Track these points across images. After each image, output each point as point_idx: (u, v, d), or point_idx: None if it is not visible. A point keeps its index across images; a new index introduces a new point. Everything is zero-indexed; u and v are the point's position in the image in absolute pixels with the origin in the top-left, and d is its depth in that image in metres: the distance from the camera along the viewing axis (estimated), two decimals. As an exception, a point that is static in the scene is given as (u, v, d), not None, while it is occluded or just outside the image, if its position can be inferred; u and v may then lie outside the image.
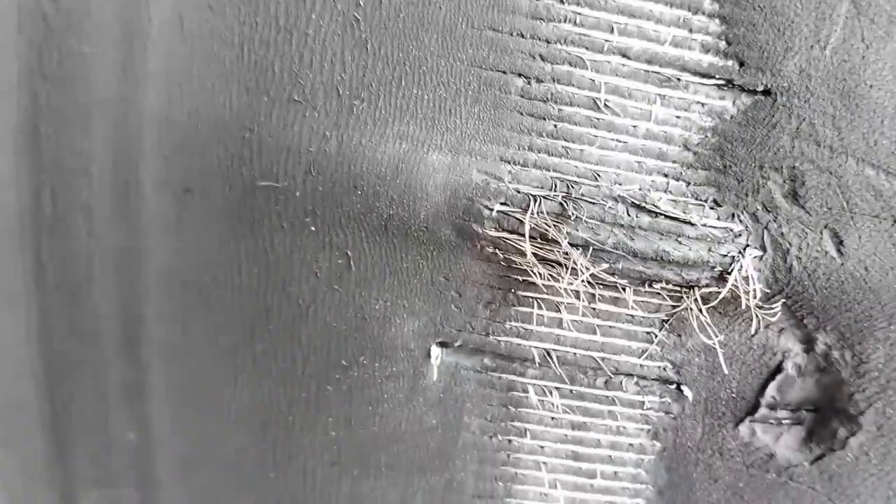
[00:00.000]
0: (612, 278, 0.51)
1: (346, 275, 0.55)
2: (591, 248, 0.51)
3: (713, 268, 0.51)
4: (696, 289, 0.52)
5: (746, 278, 0.51)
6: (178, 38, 0.53)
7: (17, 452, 0.60)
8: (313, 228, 0.54)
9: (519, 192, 0.52)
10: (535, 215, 0.51)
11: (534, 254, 0.51)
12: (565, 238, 0.50)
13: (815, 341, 0.54)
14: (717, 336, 0.52)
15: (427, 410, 0.56)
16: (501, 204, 0.52)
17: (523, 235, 0.51)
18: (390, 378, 0.56)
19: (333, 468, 0.59)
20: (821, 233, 0.52)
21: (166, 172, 0.55)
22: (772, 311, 0.52)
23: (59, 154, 0.55)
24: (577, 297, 0.53)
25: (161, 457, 0.61)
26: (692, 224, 0.51)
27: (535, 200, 0.51)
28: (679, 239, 0.51)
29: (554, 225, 0.51)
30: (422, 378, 0.55)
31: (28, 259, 0.58)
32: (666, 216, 0.51)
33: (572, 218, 0.50)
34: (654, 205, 0.51)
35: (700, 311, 0.52)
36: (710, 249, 0.51)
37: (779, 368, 0.54)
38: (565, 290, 0.53)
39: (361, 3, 0.51)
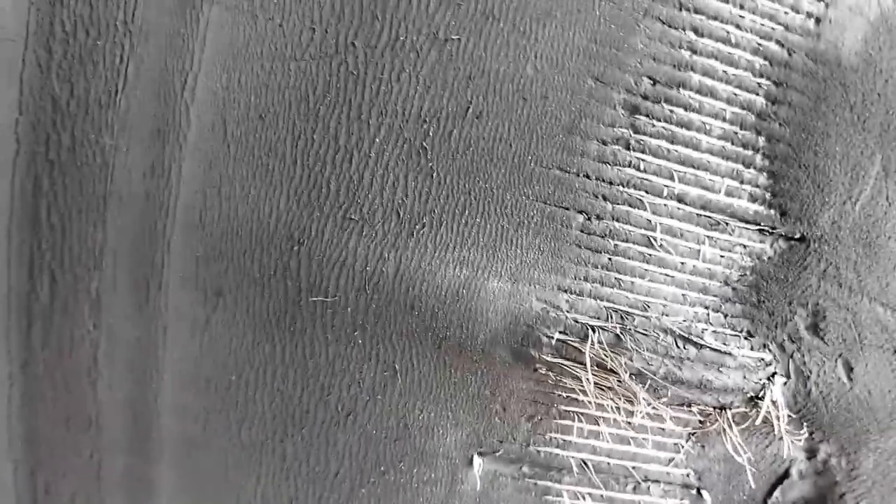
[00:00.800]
0: (659, 404, 0.56)
1: (391, 386, 0.57)
2: (647, 378, 0.55)
3: (745, 392, 0.57)
4: (727, 410, 0.57)
5: (775, 402, 0.57)
6: (219, 143, 0.53)
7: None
8: (361, 342, 0.56)
9: (577, 321, 0.56)
10: (595, 345, 0.55)
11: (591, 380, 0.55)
12: (623, 368, 0.55)
13: (818, 451, 0.61)
14: (745, 453, 0.58)
15: None
16: (560, 332, 0.55)
17: (581, 363, 0.55)
18: (428, 483, 0.59)
19: None
20: (836, 361, 0.58)
21: (196, 273, 0.55)
22: (799, 435, 0.59)
23: (62, 241, 0.54)
24: (618, 412, 0.58)
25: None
26: (732, 355, 0.56)
27: (594, 331, 0.55)
28: (720, 369, 0.56)
29: (612, 355, 0.55)
30: (460, 484, 0.59)
31: (13, 343, 0.56)
32: (710, 348, 0.56)
33: (630, 349, 0.55)
34: (699, 337, 0.56)
35: (731, 429, 0.57)
36: (744, 377, 0.57)
37: (786, 474, 0.61)
38: (611, 407, 0.57)
39: (430, 133, 0.52)
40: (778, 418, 0.58)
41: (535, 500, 0.60)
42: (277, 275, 0.53)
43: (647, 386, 0.56)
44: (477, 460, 0.58)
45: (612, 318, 0.55)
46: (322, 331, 0.55)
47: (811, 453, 0.61)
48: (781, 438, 0.60)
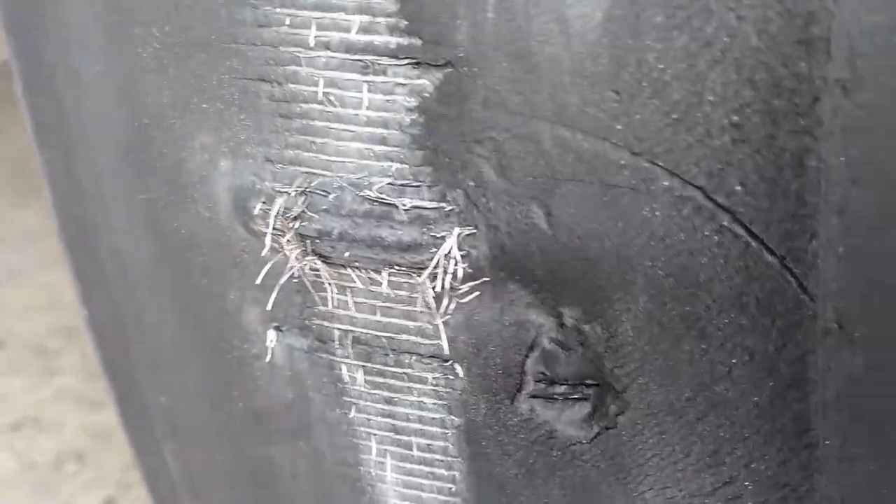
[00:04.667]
0: (346, 264, 0.55)
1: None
2: (322, 238, 0.55)
3: (432, 248, 0.52)
4: (423, 271, 0.53)
5: (449, 255, 0.51)
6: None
7: None
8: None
9: (275, 189, 0.57)
10: (279, 212, 0.56)
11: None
12: (293, 232, 0.55)
13: (563, 315, 0.51)
14: (441, 317, 0.53)
15: (284, 386, 0.64)
16: (262, 203, 0.57)
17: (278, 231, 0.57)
18: (255, 357, 0.65)
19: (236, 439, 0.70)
20: (528, 205, 0.49)
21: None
22: (464, 292, 0.51)
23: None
24: (352, 282, 0.57)
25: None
26: (398, 207, 0.52)
27: (267, 196, 0.56)
28: (391, 224, 0.52)
29: (285, 219, 0.55)
30: (271, 358, 0.64)
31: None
32: (379, 202, 0.53)
33: (298, 211, 0.55)
34: (369, 190, 0.53)
35: (425, 292, 0.53)
36: (423, 231, 0.52)
37: (535, 343, 0.53)
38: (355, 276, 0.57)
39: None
40: (453, 274, 0.52)
41: (326, 372, 0.63)
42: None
43: (331, 248, 0.55)
44: (271, 334, 0.63)
45: (297, 182, 0.56)
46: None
47: (558, 319, 0.52)
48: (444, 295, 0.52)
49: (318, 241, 0.54)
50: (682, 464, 0.51)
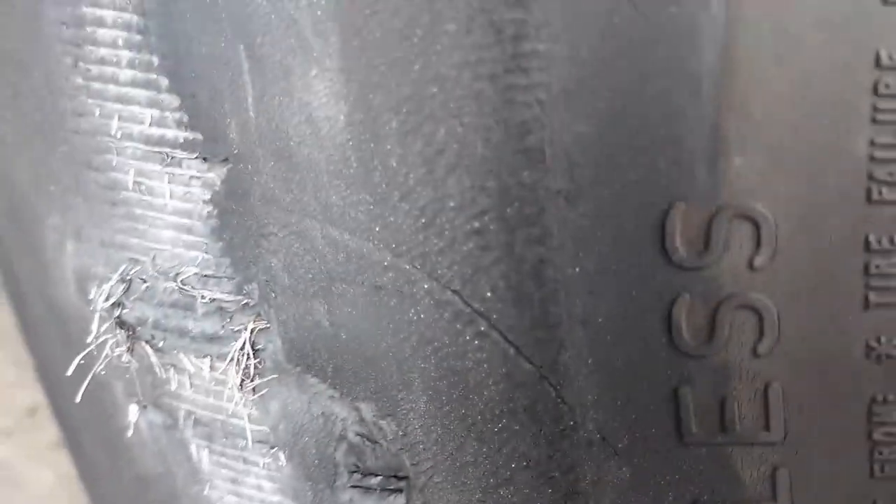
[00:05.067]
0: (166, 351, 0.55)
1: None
2: (141, 326, 0.55)
3: (232, 341, 0.52)
4: (231, 362, 0.52)
5: (243, 349, 0.50)
6: None
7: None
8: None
9: (106, 275, 0.58)
10: (101, 300, 0.56)
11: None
12: (114, 318, 0.55)
13: (361, 410, 0.50)
14: (246, 406, 0.52)
15: (153, 459, 0.65)
16: (96, 287, 0.58)
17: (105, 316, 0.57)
18: (126, 430, 0.65)
19: None
20: (311, 302, 0.48)
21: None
22: (251, 388, 0.50)
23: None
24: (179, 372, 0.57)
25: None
26: (198, 299, 0.52)
27: (103, 283, 0.57)
28: (194, 315, 0.52)
29: (110, 305, 0.56)
30: (133, 431, 0.64)
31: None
32: (182, 292, 0.53)
33: (117, 298, 0.55)
34: (178, 281, 0.53)
35: (236, 384, 0.52)
36: (223, 325, 0.52)
37: (342, 436, 0.52)
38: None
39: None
40: (246, 368, 0.51)
41: (180, 449, 0.63)
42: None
43: (151, 336, 0.56)
44: (133, 408, 0.64)
45: (124, 270, 0.57)
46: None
47: (358, 413, 0.51)
48: (240, 389, 0.51)
49: (138, 328, 0.54)
50: (483, 563, 0.49)
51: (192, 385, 0.58)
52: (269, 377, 0.51)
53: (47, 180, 0.59)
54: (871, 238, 0.37)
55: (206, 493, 0.61)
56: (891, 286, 0.39)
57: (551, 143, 0.37)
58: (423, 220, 0.42)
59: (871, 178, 0.37)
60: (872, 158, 0.36)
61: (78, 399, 0.57)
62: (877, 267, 0.38)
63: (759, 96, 0.35)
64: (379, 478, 0.52)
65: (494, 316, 0.42)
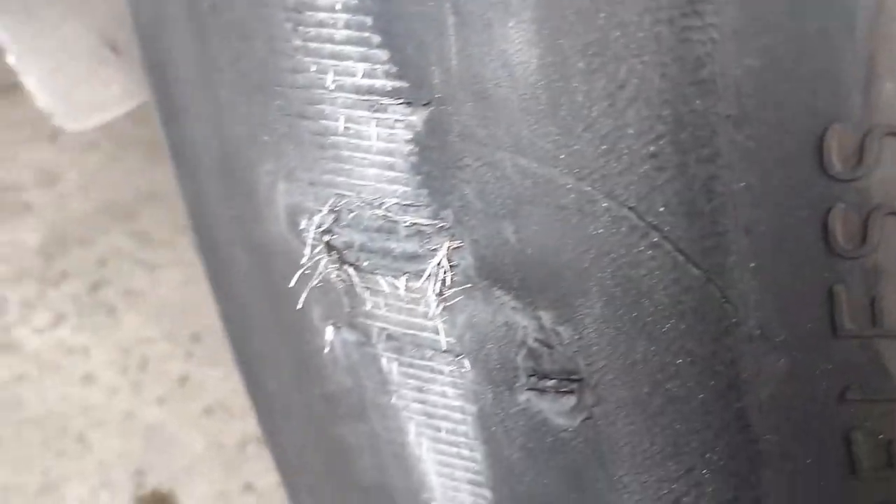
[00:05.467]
0: (370, 271, 0.65)
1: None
2: (347, 249, 0.65)
3: (428, 259, 0.61)
4: (429, 278, 0.62)
5: (440, 265, 0.60)
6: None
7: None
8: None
9: (315, 208, 0.68)
10: (313, 227, 0.67)
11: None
12: (322, 244, 0.65)
13: (541, 318, 0.59)
14: (440, 318, 0.61)
15: (344, 375, 0.75)
16: (307, 220, 0.69)
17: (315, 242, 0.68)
18: (321, 349, 0.76)
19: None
20: (500, 222, 0.57)
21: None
22: (444, 300, 0.59)
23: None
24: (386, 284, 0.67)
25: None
26: (400, 223, 0.61)
27: (313, 214, 0.67)
28: (397, 238, 0.62)
29: (320, 232, 0.66)
30: (329, 350, 0.75)
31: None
32: (387, 218, 0.62)
33: (328, 226, 0.65)
34: (382, 209, 0.63)
35: (427, 298, 0.62)
36: (421, 245, 0.61)
37: (523, 342, 0.60)
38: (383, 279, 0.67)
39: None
40: (444, 281, 0.60)
41: (372, 363, 0.73)
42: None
43: (356, 258, 0.66)
44: (329, 330, 0.75)
45: (330, 202, 0.67)
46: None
47: (538, 321, 0.60)
48: (438, 301, 0.60)
49: (345, 251, 0.64)
50: (649, 452, 0.56)
51: (386, 304, 0.67)
52: (461, 288, 0.59)
53: (262, 131, 0.70)
54: None
55: (392, 401, 0.71)
56: None
57: (722, 74, 0.44)
58: (604, 147, 0.49)
59: None
60: None
61: (299, 306, 0.67)
62: None
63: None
64: (554, 380, 0.60)
65: (666, 228, 0.49)
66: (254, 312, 0.87)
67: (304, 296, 0.70)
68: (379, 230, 0.62)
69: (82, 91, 1.24)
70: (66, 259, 2.39)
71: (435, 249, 0.59)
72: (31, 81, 1.20)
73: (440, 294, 0.60)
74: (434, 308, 0.61)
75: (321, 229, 0.66)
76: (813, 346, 0.49)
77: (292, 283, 0.69)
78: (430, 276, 0.59)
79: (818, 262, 0.47)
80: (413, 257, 0.61)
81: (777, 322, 0.48)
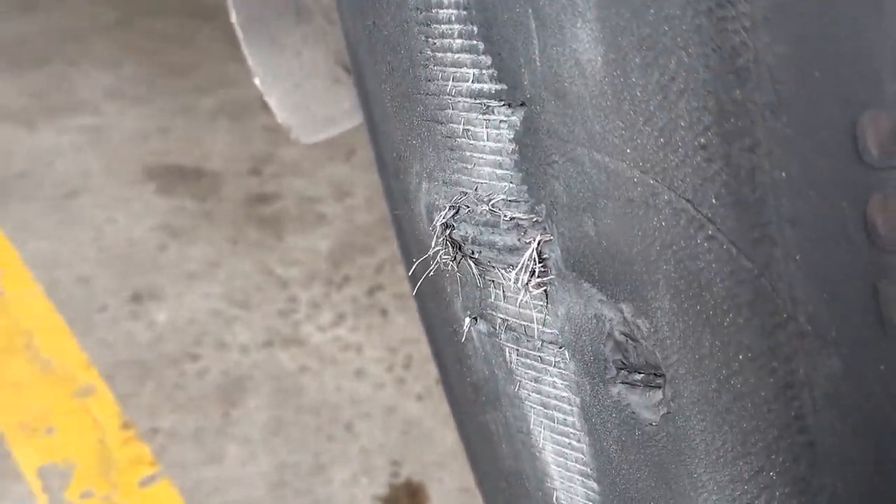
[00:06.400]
0: (485, 263, 0.70)
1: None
2: (464, 243, 0.71)
3: (521, 251, 0.66)
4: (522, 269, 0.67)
5: (532, 257, 0.64)
6: None
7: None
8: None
9: (445, 205, 0.75)
10: (442, 219, 0.74)
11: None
12: (444, 236, 0.72)
13: (623, 311, 0.61)
14: (543, 313, 0.65)
15: (482, 364, 0.82)
16: (440, 214, 0.76)
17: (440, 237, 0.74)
18: (463, 339, 0.83)
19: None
20: (581, 216, 0.61)
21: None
22: (538, 290, 0.63)
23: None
24: (500, 277, 0.72)
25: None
26: (502, 216, 0.66)
27: (441, 209, 0.74)
28: (499, 230, 0.67)
29: (443, 227, 0.73)
30: (466, 341, 0.81)
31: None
32: (492, 212, 0.68)
33: (448, 220, 0.72)
34: (490, 204, 0.68)
35: (522, 289, 0.66)
36: (519, 238, 0.66)
37: (610, 334, 0.63)
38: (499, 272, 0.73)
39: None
40: (533, 272, 0.64)
41: (500, 353, 0.79)
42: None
43: (472, 251, 0.72)
44: (466, 321, 0.82)
45: (455, 200, 0.74)
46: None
47: (622, 314, 0.63)
48: (526, 290, 0.64)
49: (464, 245, 0.69)
50: (721, 450, 0.56)
51: (504, 296, 0.72)
52: (551, 278, 0.63)
53: (411, 135, 0.77)
54: None
55: (517, 391, 0.75)
56: None
57: (756, 62, 0.44)
58: (662, 140, 0.51)
59: None
60: None
61: (414, 292, 0.73)
62: None
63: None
64: (641, 375, 0.62)
65: (719, 220, 0.49)
66: (431, 311, 0.94)
67: (424, 276, 0.76)
68: (486, 224, 0.67)
69: (318, 107, 1.40)
70: (350, 265, 2.67)
71: (529, 242, 0.63)
72: (272, 100, 1.37)
73: (538, 286, 0.64)
74: (533, 299, 0.65)
75: (444, 223, 0.72)
76: (864, 344, 0.47)
77: (429, 274, 0.75)
78: (523, 267, 0.63)
79: (862, 256, 0.45)
80: (512, 249, 0.65)
81: (827, 318, 0.47)
